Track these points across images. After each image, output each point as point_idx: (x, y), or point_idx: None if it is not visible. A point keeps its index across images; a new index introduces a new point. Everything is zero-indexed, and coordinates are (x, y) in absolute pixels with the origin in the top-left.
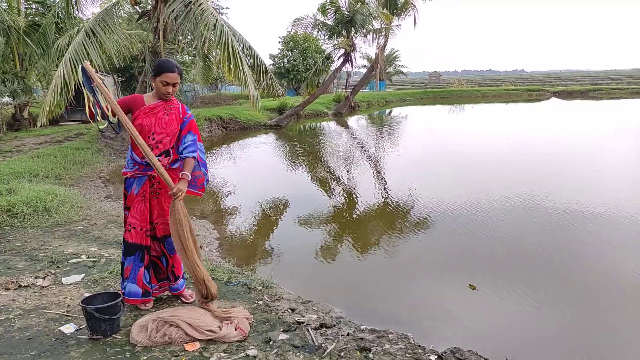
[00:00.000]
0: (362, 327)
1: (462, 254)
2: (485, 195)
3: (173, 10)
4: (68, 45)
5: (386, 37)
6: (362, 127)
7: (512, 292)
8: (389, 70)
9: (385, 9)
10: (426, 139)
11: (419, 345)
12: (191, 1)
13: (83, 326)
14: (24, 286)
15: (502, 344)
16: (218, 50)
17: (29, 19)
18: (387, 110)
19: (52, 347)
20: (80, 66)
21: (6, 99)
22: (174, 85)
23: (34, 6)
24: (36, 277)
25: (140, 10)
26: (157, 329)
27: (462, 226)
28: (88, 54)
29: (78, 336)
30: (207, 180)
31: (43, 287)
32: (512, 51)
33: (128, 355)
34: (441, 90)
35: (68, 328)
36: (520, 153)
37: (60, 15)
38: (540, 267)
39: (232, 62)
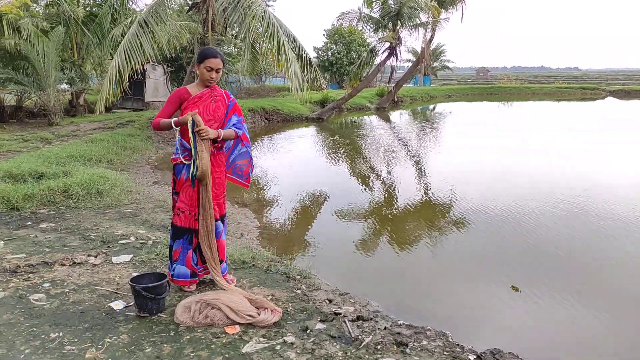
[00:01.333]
0: (399, 322)
1: (504, 255)
2: (534, 198)
3: (222, 2)
4: (122, 36)
5: (433, 31)
6: (404, 122)
7: (557, 296)
8: (434, 65)
9: (433, 1)
10: (470, 135)
11: (458, 344)
12: None
13: (131, 304)
14: (78, 263)
15: (544, 348)
16: (264, 42)
17: (87, 9)
18: (431, 106)
19: (103, 322)
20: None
21: (64, 86)
22: (217, 70)
23: None
24: (89, 255)
25: (190, 2)
26: (200, 311)
27: (505, 227)
28: (141, 44)
29: (126, 313)
30: (252, 169)
31: (95, 264)
32: (566, 47)
33: (172, 334)
34: (489, 86)
35: (117, 305)
36: (574, 152)
37: (115, 6)
38: (587, 272)
39: (280, 53)
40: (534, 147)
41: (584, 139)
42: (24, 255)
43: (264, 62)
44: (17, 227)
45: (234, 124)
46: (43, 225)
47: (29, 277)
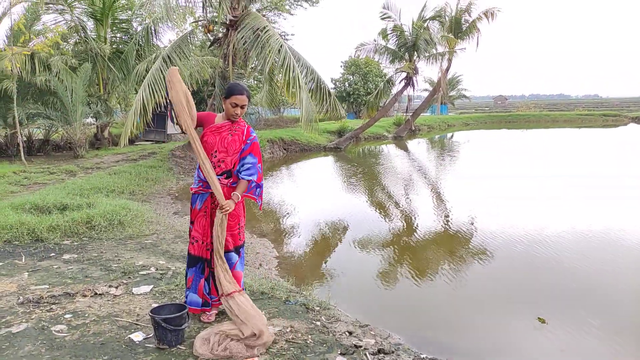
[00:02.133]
0: (422, 355)
1: (528, 286)
2: (559, 230)
3: (242, 37)
4: (146, 71)
5: (449, 61)
6: (422, 150)
7: (584, 328)
8: (451, 93)
9: (449, 33)
10: (489, 164)
11: None
12: (259, 28)
13: (151, 335)
14: (99, 294)
15: None
16: (279, 75)
17: (114, 46)
18: (449, 135)
19: (122, 354)
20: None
21: (90, 120)
22: (242, 107)
23: (118, 35)
24: (110, 286)
25: (212, 38)
26: (219, 343)
27: (528, 258)
28: (164, 78)
29: (146, 345)
30: (261, 200)
31: (116, 295)
32: (585, 75)
33: None
34: (507, 114)
35: (137, 336)
36: (601, 182)
37: (140, 43)
38: (614, 305)
39: (291, 85)
40: (558, 177)
41: (610, 167)
42: (47, 286)
43: (281, 94)
44: (42, 258)
45: (247, 168)
46: (66, 257)
47: (51, 308)
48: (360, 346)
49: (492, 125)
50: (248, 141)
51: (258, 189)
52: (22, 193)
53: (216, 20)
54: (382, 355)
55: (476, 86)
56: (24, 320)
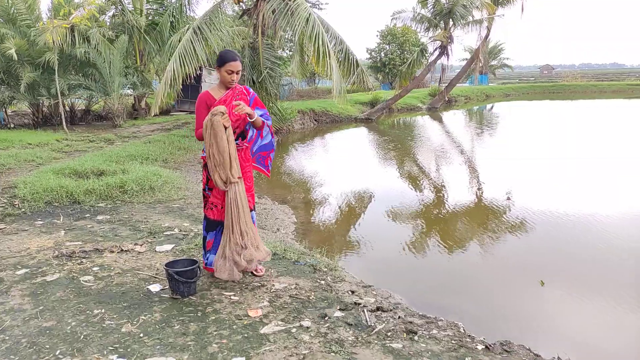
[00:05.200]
0: (414, 312)
1: (536, 254)
2: (592, 207)
3: (272, 7)
4: (179, 42)
5: (488, 29)
6: (456, 122)
7: (582, 293)
8: (492, 63)
9: None
10: (526, 136)
11: (469, 335)
12: None
13: (166, 287)
14: (125, 250)
15: (562, 344)
16: (309, 44)
17: (149, 18)
18: (489, 106)
19: (140, 302)
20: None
21: (127, 91)
22: (237, 73)
23: (154, 7)
24: (135, 244)
25: (243, 8)
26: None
27: (541, 233)
28: (195, 49)
29: (161, 295)
30: (271, 161)
31: (140, 252)
32: None
33: (199, 315)
34: (551, 85)
35: (154, 287)
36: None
37: (175, 14)
38: (619, 275)
39: (321, 55)
40: (598, 150)
41: None
42: (80, 243)
43: (311, 64)
44: (77, 218)
45: (260, 115)
46: (100, 217)
47: (81, 262)
48: (360, 303)
49: (534, 95)
50: (250, 97)
51: (256, 146)
52: (63, 159)
53: None
54: (379, 312)
55: (522, 55)
56: (57, 271)
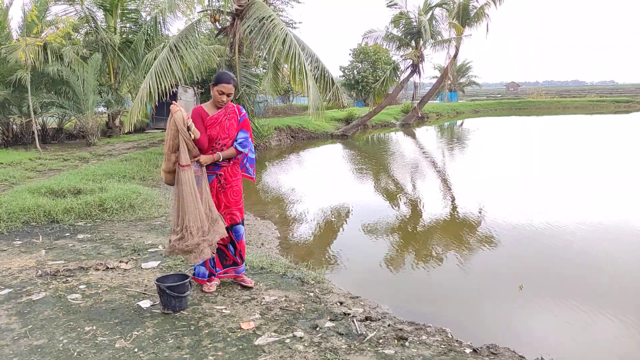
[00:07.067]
0: (403, 320)
1: (518, 265)
2: (566, 219)
3: (248, 26)
4: (154, 60)
5: (457, 48)
6: (428, 138)
7: (561, 299)
8: (461, 80)
9: (456, 20)
10: (497, 151)
11: (457, 340)
12: (265, 17)
13: (157, 302)
14: (111, 268)
15: (544, 345)
16: (285, 63)
17: (123, 36)
18: (459, 122)
19: (131, 318)
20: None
21: (101, 109)
22: (228, 95)
23: (127, 25)
24: (120, 262)
25: (219, 27)
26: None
27: (520, 243)
28: (171, 67)
29: (152, 310)
30: (254, 170)
31: (126, 269)
32: (601, 60)
33: (192, 329)
34: (517, 101)
35: (145, 303)
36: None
37: (149, 32)
38: (600, 283)
39: (297, 74)
40: (567, 163)
41: (618, 152)
42: (63, 261)
43: (287, 82)
44: (57, 237)
45: (241, 142)
46: (80, 236)
47: (67, 280)
48: (349, 314)
49: (501, 112)
50: (240, 118)
51: (246, 160)
52: (38, 178)
53: (222, 9)
54: (368, 322)
55: (488, 73)
56: (42, 290)
